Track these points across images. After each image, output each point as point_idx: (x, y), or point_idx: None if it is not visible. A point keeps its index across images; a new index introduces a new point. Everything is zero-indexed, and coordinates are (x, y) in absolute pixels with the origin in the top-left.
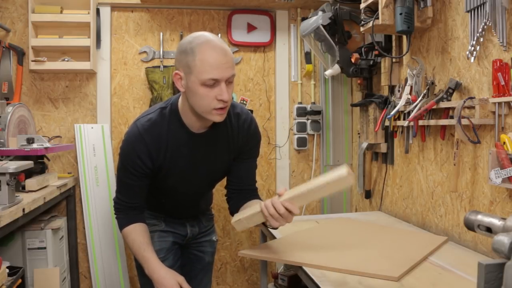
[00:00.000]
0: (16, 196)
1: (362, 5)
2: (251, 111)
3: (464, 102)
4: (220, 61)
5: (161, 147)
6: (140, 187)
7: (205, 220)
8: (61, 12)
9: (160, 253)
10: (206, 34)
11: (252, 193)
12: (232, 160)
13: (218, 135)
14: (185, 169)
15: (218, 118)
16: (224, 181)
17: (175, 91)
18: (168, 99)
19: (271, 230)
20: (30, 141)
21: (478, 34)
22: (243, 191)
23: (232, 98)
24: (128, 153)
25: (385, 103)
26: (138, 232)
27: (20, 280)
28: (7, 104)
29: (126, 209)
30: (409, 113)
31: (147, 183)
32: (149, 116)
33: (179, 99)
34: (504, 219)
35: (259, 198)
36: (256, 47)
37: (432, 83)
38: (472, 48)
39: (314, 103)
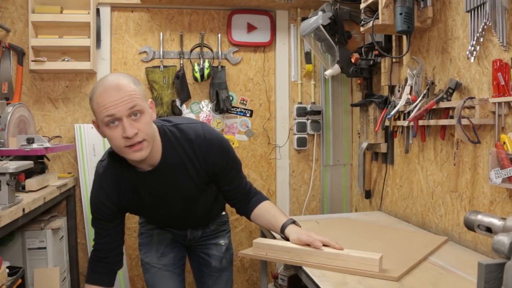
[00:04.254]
0: (16, 196)
1: (362, 5)
2: (251, 111)
3: (464, 102)
4: (111, 97)
5: (119, 191)
6: (114, 229)
7: (215, 225)
8: (61, 12)
9: (159, 249)
10: (107, 76)
11: (251, 194)
12: (202, 183)
13: (171, 167)
14: (152, 206)
15: (135, 155)
16: None
17: (176, 91)
18: None
19: (272, 232)
20: (30, 141)
21: (478, 34)
22: (242, 198)
23: (155, 129)
24: (95, 203)
25: (385, 103)
26: None
27: (20, 280)
28: (7, 104)
29: (98, 261)
30: (409, 113)
31: (121, 224)
32: (103, 163)
33: None
34: (504, 219)
35: (262, 195)
36: (256, 47)
37: (432, 83)
38: (472, 48)
39: (314, 103)
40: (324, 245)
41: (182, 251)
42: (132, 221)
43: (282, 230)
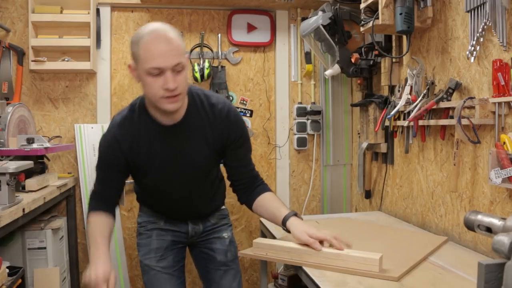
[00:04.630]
0: (16, 196)
1: (362, 5)
2: (251, 111)
3: (464, 102)
4: (162, 49)
5: (133, 143)
6: (115, 181)
7: (215, 218)
8: (61, 12)
9: (158, 252)
10: (154, 24)
11: (256, 182)
12: (214, 153)
13: (192, 127)
14: (162, 164)
15: (170, 106)
16: None
17: None
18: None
19: (272, 231)
20: (30, 141)
21: (478, 34)
22: (246, 182)
23: (194, 90)
24: (103, 150)
25: (385, 103)
26: (101, 222)
27: (20, 280)
28: (7, 104)
29: (98, 199)
30: (409, 113)
31: (123, 178)
32: (123, 113)
33: None
34: (504, 219)
35: (266, 186)
36: (256, 47)
37: (432, 83)
38: (472, 48)
39: (314, 103)
40: (324, 241)
41: (182, 252)
42: (132, 221)
43: (284, 222)
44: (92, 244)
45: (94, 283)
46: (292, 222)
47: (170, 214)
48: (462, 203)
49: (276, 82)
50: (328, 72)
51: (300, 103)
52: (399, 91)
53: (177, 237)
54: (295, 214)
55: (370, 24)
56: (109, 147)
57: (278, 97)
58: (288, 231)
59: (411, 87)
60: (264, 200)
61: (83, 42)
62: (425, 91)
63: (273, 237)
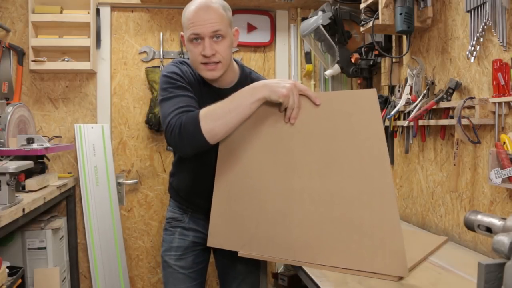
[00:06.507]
0: (16, 196)
1: (362, 5)
2: None
3: (464, 102)
4: (200, 17)
5: (190, 85)
6: (193, 98)
7: None
8: (61, 12)
9: (178, 250)
10: None
11: None
12: None
13: None
14: None
15: (208, 74)
16: None
17: None
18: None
19: None
20: (30, 141)
21: (478, 34)
22: None
23: (228, 57)
24: (174, 72)
25: (385, 103)
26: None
27: (20, 280)
28: (7, 104)
29: (190, 109)
30: (409, 113)
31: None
32: (181, 60)
33: None
34: (504, 219)
35: None
36: (256, 47)
37: (432, 83)
38: (472, 48)
39: None
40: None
41: (203, 255)
42: (132, 221)
43: None
44: (231, 100)
45: (295, 85)
46: None
47: (197, 201)
48: (462, 203)
49: None
50: (328, 72)
51: None
52: (399, 91)
53: (199, 239)
54: None
55: (370, 24)
56: (180, 68)
57: None
58: None
59: (411, 87)
60: None
61: (83, 42)
62: (425, 91)
63: None
